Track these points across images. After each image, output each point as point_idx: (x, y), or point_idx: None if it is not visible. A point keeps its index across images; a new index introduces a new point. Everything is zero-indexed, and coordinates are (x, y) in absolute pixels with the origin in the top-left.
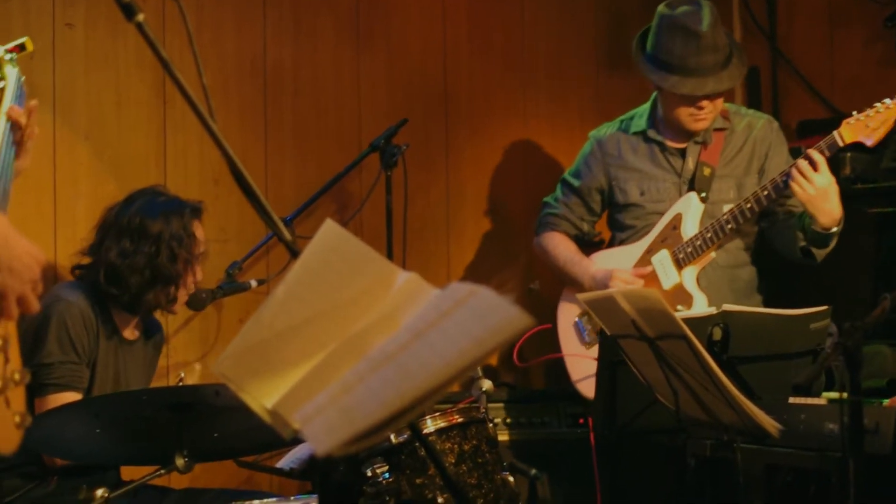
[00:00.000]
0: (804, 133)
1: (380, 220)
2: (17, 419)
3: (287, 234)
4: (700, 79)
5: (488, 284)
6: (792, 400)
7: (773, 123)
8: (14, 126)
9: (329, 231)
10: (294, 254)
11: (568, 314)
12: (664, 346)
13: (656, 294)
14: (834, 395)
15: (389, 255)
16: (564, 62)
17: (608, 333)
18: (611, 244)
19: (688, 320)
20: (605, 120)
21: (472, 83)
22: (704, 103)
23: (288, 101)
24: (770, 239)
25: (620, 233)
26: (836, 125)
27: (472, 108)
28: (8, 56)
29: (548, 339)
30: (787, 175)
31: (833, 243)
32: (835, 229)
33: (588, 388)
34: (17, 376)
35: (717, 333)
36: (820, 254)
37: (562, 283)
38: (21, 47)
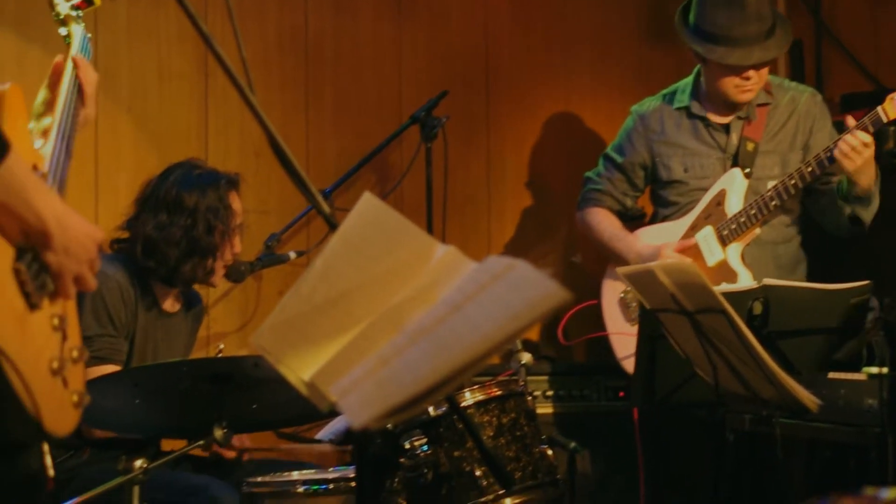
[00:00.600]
0: (848, 107)
1: (420, 192)
2: (76, 398)
3: (325, 207)
4: (746, 49)
5: (529, 257)
6: (831, 375)
7: (816, 97)
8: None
9: (367, 204)
10: (332, 226)
11: (612, 291)
12: (703, 320)
13: (695, 268)
14: (874, 370)
15: (429, 228)
16: (607, 33)
17: (647, 307)
18: (653, 220)
19: (728, 294)
20: (647, 92)
21: (513, 55)
22: (750, 73)
23: (329, 74)
24: (817, 216)
25: (664, 209)
26: (880, 99)
27: (513, 79)
28: (74, 12)
29: (592, 315)
30: (832, 150)
31: (876, 202)
32: (875, 188)
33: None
34: (75, 354)
35: (758, 308)
36: (866, 215)
37: (606, 259)
38: (89, 2)
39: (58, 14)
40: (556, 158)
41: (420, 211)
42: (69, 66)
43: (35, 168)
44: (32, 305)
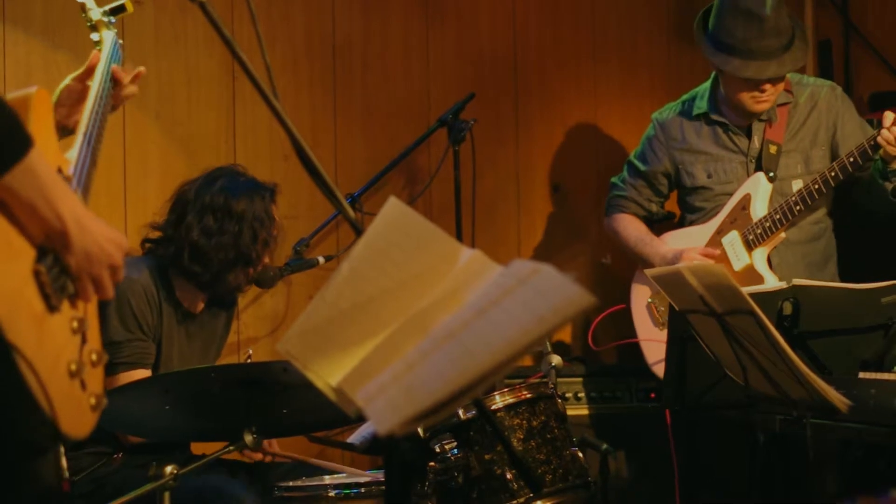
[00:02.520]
0: (876, 105)
1: (449, 195)
2: (93, 401)
3: (351, 212)
4: (762, 62)
5: (557, 260)
6: (862, 375)
7: (836, 90)
8: (114, 82)
9: (393, 208)
10: (358, 231)
11: (641, 295)
12: (732, 321)
13: (723, 269)
14: None
15: (458, 231)
16: (635, 34)
17: (676, 309)
18: (681, 224)
19: (757, 295)
20: (677, 92)
21: (541, 58)
22: (766, 86)
23: (357, 77)
24: (863, 204)
25: (690, 214)
26: None
27: (541, 83)
28: (105, 18)
29: (622, 319)
30: (856, 157)
31: None
32: None
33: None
34: (94, 357)
35: (788, 308)
36: None
37: (635, 262)
38: (121, 8)
39: (89, 20)
40: (585, 162)
41: (449, 214)
42: (102, 64)
43: (60, 171)
44: (52, 307)
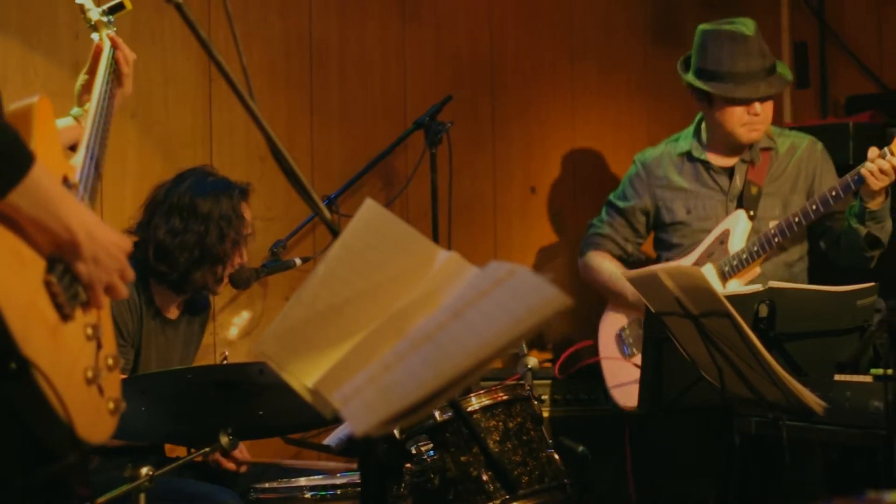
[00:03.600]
0: (852, 108)
1: (425, 198)
2: (112, 406)
3: (327, 214)
4: (752, 84)
5: (535, 262)
6: (838, 377)
7: (816, 144)
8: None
9: (370, 210)
10: (335, 233)
11: (610, 327)
12: (708, 323)
13: (699, 272)
14: (880, 372)
15: (435, 233)
16: (613, 37)
17: (653, 311)
18: (657, 262)
19: (733, 297)
20: (654, 94)
21: (518, 60)
22: (758, 109)
23: (334, 78)
24: (832, 251)
25: (667, 252)
26: (884, 100)
27: (518, 85)
28: (105, 18)
29: (589, 355)
30: (838, 189)
31: (889, 222)
32: (886, 205)
33: (622, 396)
34: (110, 362)
35: (763, 310)
36: (883, 233)
37: (604, 299)
38: (119, 6)
39: (89, 21)
40: (562, 163)
41: (425, 216)
42: (106, 51)
43: (66, 179)
44: (65, 316)
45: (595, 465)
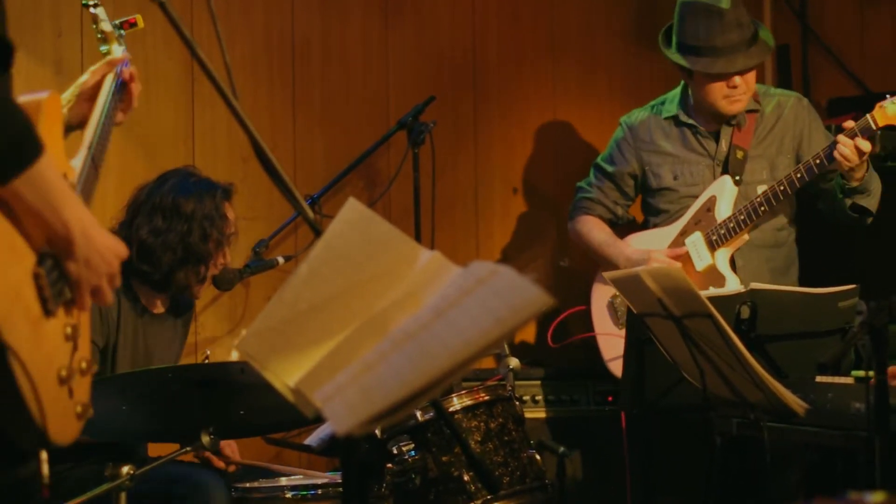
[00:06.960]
0: (835, 111)
1: (408, 198)
2: (79, 409)
3: (311, 213)
4: (729, 57)
5: (518, 262)
6: (819, 379)
7: (802, 101)
8: (121, 87)
9: (352, 210)
10: (317, 233)
11: (602, 295)
12: (690, 324)
13: (682, 273)
14: (861, 373)
15: (418, 233)
16: (594, 37)
17: (635, 312)
18: (644, 227)
19: (715, 299)
20: (634, 98)
21: (501, 60)
22: (737, 82)
23: (316, 76)
24: (825, 211)
25: (654, 217)
26: (867, 103)
27: (500, 85)
28: (118, 32)
29: (583, 320)
30: (822, 158)
31: (874, 188)
32: (868, 177)
33: (620, 369)
34: (83, 365)
35: (745, 312)
36: (868, 202)
37: (596, 263)
38: (132, 24)
39: (100, 31)
40: (544, 163)
41: (408, 216)
42: (110, 77)
43: (65, 178)
44: (48, 312)
45: (576, 465)
